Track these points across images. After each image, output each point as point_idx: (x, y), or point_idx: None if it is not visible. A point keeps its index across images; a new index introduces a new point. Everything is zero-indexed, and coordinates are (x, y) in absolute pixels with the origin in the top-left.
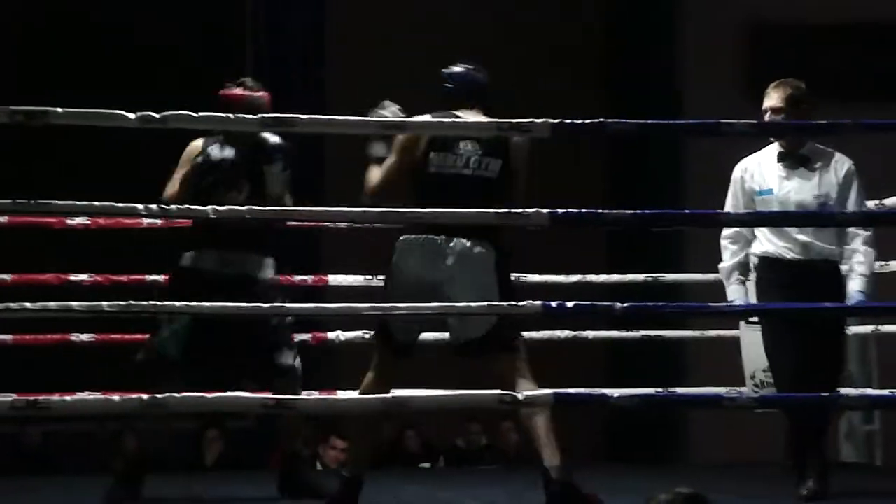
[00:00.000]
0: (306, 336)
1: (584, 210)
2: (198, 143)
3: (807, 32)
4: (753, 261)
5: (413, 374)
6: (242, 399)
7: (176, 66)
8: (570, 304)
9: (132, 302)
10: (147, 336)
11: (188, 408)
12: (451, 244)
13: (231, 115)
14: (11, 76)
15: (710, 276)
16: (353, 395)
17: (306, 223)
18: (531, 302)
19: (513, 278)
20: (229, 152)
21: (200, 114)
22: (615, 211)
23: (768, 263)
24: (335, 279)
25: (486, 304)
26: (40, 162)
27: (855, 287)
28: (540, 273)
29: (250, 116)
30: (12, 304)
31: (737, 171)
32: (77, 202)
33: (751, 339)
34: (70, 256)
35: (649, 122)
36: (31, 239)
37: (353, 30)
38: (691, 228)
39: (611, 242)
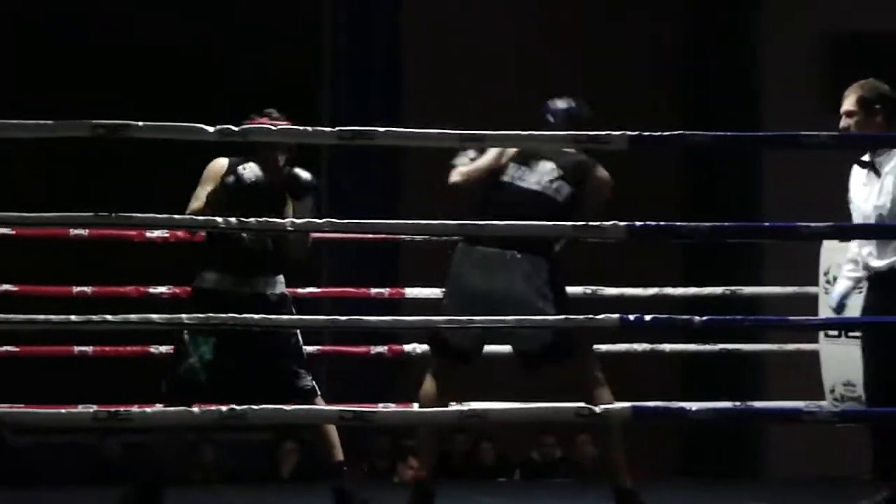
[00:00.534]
0: (382, 349)
1: (661, 223)
2: (223, 162)
3: (887, 42)
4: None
5: (486, 386)
6: (320, 412)
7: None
8: (647, 318)
9: (211, 315)
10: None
11: (266, 420)
12: (507, 256)
13: (309, 129)
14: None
15: (789, 289)
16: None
17: (384, 236)
18: (609, 315)
19: (580, 291)
20: (261, 176)
21: (279, 126)
22: (692, 223)
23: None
24: (412, 292)
25: (563, 317)
26: (113, 174)
27: None
28: (616, 286)
29: (328, 129)
30: (94, 317)
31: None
32: (157, 215)
33: (830, 353)
34: (147, 269)
35: (727, 134)
36: (111, 251)
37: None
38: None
39: (686, 255)
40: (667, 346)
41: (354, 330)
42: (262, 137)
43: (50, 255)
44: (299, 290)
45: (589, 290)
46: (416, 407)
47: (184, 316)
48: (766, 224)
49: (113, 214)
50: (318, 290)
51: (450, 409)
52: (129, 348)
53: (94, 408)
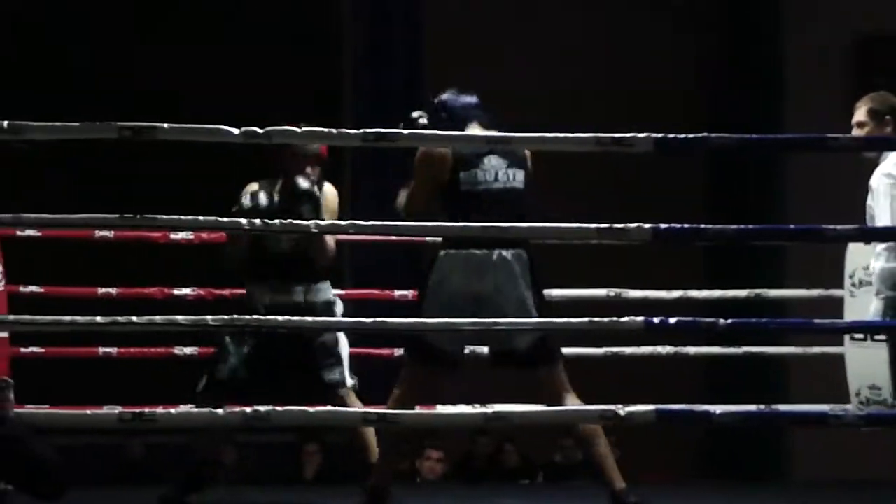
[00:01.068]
0: None
1: (685, 225)
2: (253, 186)
3: None
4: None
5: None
6: (345, 413)
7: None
8: (672, 320)
9: (236, 316)
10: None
11: (290, 421)
12: (494, 257)
13: (334, 130)
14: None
15: (813, 292)
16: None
17: (410, 238)
18: (633, 318)
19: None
20: (276, 196)
21: (303, 128)
22: (719, 226)
23: None
24: None
25: (587, 320)
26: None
27: None
28: (639, 289)
29: (351, 132)
30: (120, 318)
31: None
32: (182, 216)
33: (856, 356)
34: (172, 270)
35: (752, 136)
36: (136, 253)
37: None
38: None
39: (709, 257)
40: (691, 349)
41: (380, 333)
42: (287, 139)
43: (75, 257)
44: None
45: (613, 292)
46: (439, 409)
47: (208, 318)
48: (792, 226)
49: (138, 216)
50: (342, 292)
51: (474, 411)
52: (153, 349)
53: (119, 409)
